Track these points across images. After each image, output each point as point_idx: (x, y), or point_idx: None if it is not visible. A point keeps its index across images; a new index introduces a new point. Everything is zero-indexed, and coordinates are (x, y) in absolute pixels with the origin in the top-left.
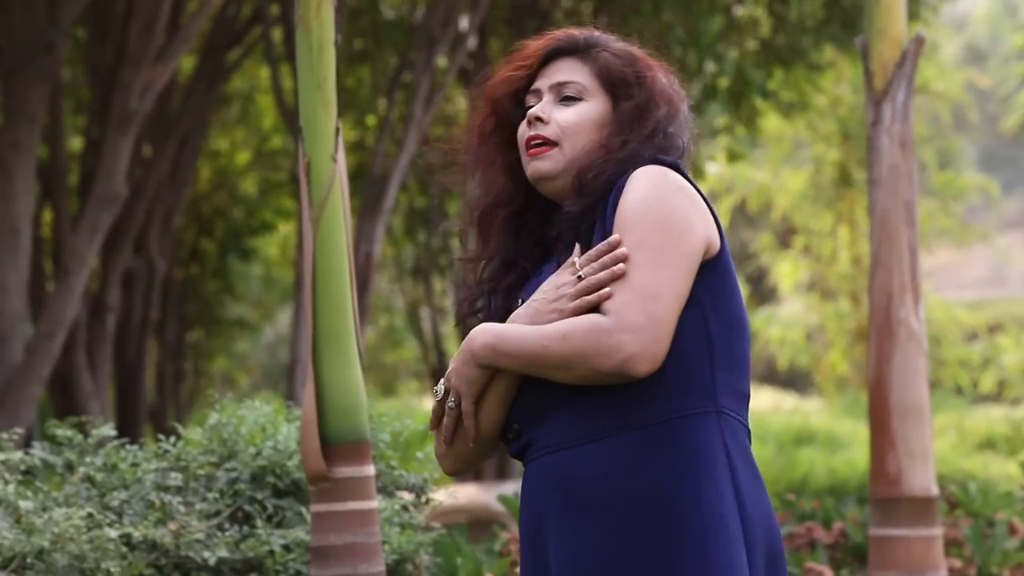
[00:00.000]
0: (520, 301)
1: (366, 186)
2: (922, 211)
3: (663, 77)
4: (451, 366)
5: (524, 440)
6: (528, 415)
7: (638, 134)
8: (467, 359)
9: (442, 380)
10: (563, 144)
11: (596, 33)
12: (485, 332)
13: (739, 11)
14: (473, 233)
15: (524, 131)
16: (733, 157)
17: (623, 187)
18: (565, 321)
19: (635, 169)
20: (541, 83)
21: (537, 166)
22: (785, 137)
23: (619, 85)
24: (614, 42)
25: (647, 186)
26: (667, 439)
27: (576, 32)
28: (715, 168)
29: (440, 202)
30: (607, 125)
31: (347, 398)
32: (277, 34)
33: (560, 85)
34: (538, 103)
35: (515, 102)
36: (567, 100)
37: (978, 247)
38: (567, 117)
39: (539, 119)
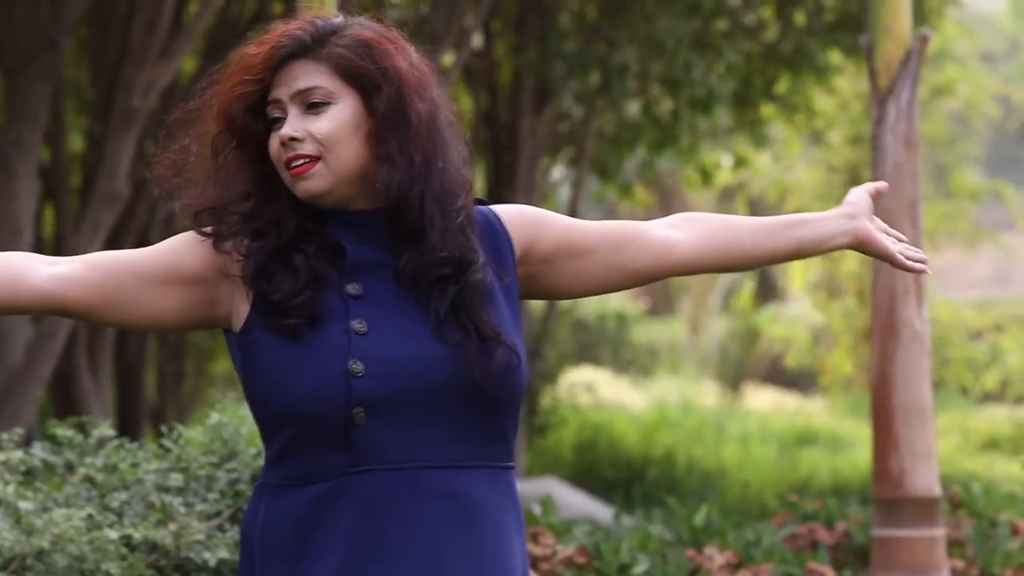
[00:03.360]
0: (353, 323)
1: None
2: (937, 213)
3: (404, 60)
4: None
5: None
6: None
7: (405, 136)
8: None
9: None
10: (326, 157)
11: (324, 22)
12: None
13: (748, 17)
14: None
15: (279, 152)
16: (739, 163)
17: (493, 225)
18: None
19: (464, 193)
20: (280, 92)
21: (306, 187)
22: (796, 137)
23: (360, 79)
24: (348, 27)
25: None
26: (512, 483)
27: (301, 29)
28: (724, 168)
29: None
30: (363, 124)
31: None
32: None
33: (302, 93)
34: (280, 114)
35: (254, 114)
36: (314, 107)
37: (983, 246)
38: (322, 128)
39: (293, 139)
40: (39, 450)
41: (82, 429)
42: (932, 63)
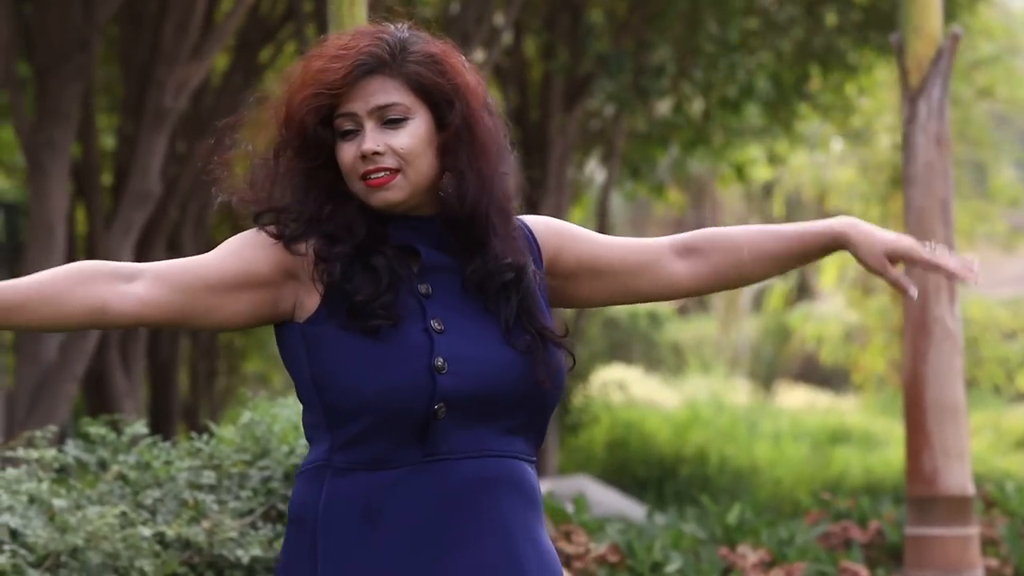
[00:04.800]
0: (432, 322)
1: None
2: (973, 213)
3: (470, 74)
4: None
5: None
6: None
7: (473, 149)
8: None
9: None
10: (406, 170)
11: (393, 37)
12: None
13: (779, 15)
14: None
15: (354, 163)
16: (773, 160)
17: (525, 233)
18: None
19: (508, 201)
20: (356, 107)
21: (384, 197)
22: (835, 135)
23: (434, 95)
24: (415, 42)
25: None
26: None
27: (375, 45)
28: (759, 164)
29: None
30: (434, 138)
31: None
32: (311, 31)
33: (381, 108)
34: (353, 127)
35: (324, 124)
36: (392, 122)
37: (1016, 244)
38: (403, 143)
39: (376, 153)
40: (72, 448)
41: (115, 427)
42: (984, 67)
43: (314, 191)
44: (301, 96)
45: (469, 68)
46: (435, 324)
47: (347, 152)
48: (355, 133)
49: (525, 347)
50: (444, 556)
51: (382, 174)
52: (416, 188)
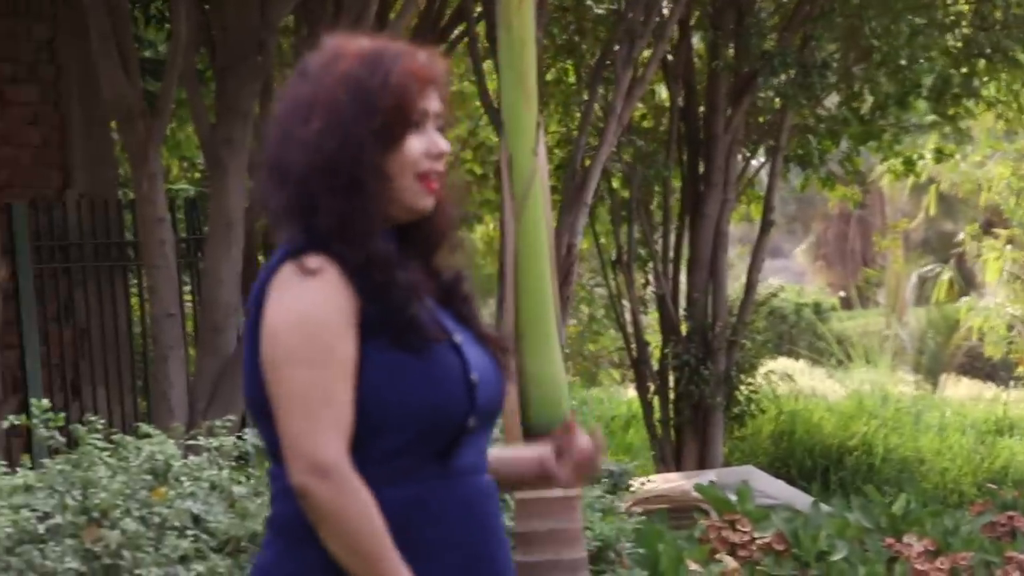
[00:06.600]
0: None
1: (567, 178)
2: None
3: None
4: None
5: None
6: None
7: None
8: None
9: None
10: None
11: None
12: None
13: (944, 13)
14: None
15: (418, 159)
16: (939, 157)
17: None
18: None
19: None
20: (431, 105)
21: (430, 203)
22: (995, 129)
23: (445, 116)
24: None
25: None
26: None
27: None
28: (927, 158)
29: (643, 195)
30: None
31: (549, 388)
32: (481, 30)
33: (437, 115)
34: (418, 125)
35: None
36: (440, 131)
37: None
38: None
39: (443, 155)
40: (251, 436)
41: None
42: None
43: (372, 182)
44: (418, 92)
45: None
46: (457, 337)
47: (418, 145)
48: (417, 128)
49: (491, 355)
50: (471, 571)
51: (435, 177)
52: None
